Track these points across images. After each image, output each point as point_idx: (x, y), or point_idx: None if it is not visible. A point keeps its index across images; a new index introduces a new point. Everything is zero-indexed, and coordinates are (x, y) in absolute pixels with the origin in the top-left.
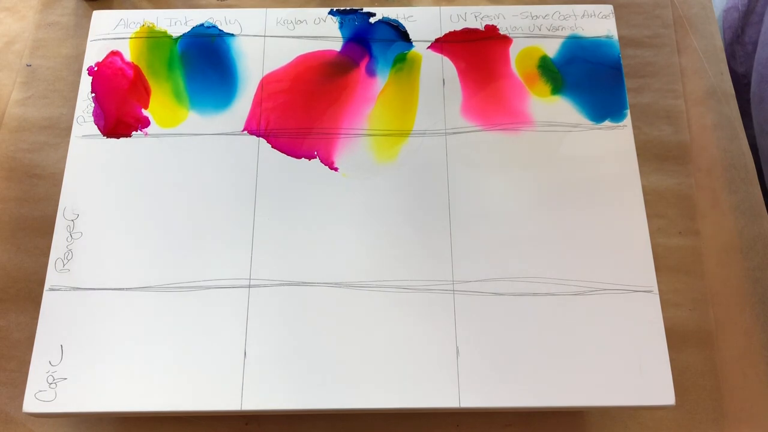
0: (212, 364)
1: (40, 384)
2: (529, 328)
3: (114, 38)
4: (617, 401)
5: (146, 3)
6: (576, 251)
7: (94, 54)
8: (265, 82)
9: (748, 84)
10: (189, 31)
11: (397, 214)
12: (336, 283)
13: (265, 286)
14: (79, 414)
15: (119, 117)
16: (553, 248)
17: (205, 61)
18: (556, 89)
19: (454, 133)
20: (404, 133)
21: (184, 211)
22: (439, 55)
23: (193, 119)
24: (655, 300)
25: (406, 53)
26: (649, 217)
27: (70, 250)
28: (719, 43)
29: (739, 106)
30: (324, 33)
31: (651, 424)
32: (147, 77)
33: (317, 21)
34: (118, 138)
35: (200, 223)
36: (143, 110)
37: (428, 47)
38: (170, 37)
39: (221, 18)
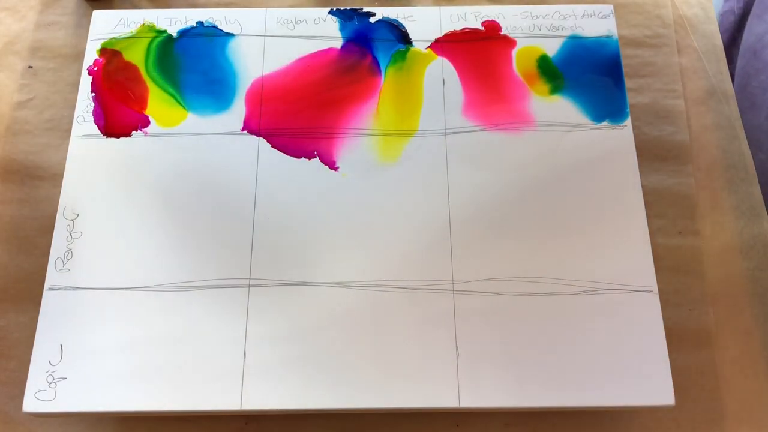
0: (212, 364)
1: (40, 384)
2: (529, 328)
3: (114, 38)
4: (617, 401)
5: (146, 3)
6: (576, 251)
7: (94, 54)
8: (265, 82)
9: None
10: (189, 31)
11: (397, 214)
12: (336, 283)
13: (265, 286)
14: (79, 414)
15: (119, 117)
16: (553, 248)
17: (205, 60)
18: (557, 89)
19: (454, 132)
20: (406, 134)
21: (184, 211)
22: (440, 55)
23: (193, 119)
24: (655, 300)
25: (406, 53)
26: (649, 217)
27: (70, 250)
28: (719, 43)
29: None
30: (324, 33)
31: (651, 424)
32: (147, 77)
33: (317, 21)
34: (118, 138)
35: (200, 223)
36: (143, 110)
37: (428, 47)
38: (170, 36)
39: (221, 18)
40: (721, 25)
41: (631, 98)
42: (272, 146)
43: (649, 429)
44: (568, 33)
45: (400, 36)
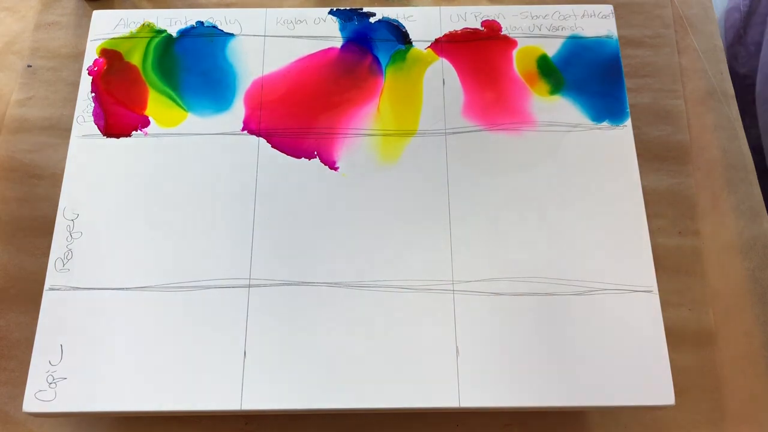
0: (212, 364)
1: (40, 384)
2: (529, 328)
3: (114, 38)
4: (617, 401)
5: (146, 3)
6: (576, 251)
7: (94, 54)
8: (265, 82)
9: (751, 85)
10: (189, 31)
11: (397, 214)
12: (336, 283)
13: (265, 286)
14: (79, 414)
15: (119, 117)
16: (554, 248)
17: (205, 60)
18: (557, 89)
19: (454, 133)
20: (406, 134)
21: (184, 211)
22: (440, 55)
23: (193, 119)
24: (655, 300)
25: (406, 53)
26: (649, 217)
27: (70, 250)
28: (719, 43)
29: (740, 107)
30: (324, 33)
31: (651, 424)
32: (147, 77)
33: (317, 21)
34: (118, 138)
35: (200, 223)
36: (143, 110)
37: (428, 47)
38: (170, 36)
39: (221, 18)
40: (726, 21)
41: (631, 98)
42: (272, 146)
43: (649, 429)
44: (568, 33)
45: (400, 36)
